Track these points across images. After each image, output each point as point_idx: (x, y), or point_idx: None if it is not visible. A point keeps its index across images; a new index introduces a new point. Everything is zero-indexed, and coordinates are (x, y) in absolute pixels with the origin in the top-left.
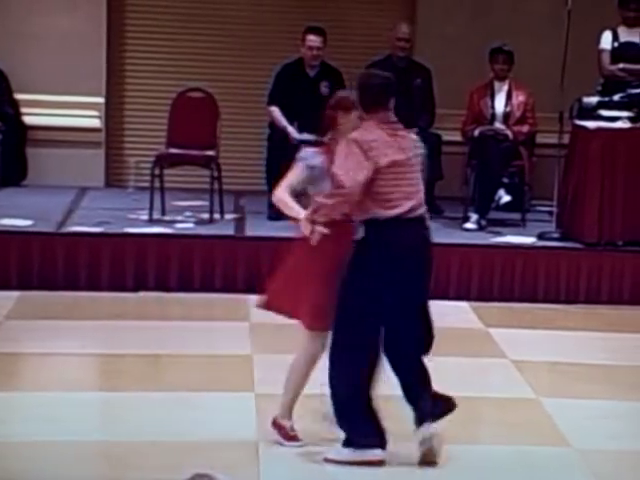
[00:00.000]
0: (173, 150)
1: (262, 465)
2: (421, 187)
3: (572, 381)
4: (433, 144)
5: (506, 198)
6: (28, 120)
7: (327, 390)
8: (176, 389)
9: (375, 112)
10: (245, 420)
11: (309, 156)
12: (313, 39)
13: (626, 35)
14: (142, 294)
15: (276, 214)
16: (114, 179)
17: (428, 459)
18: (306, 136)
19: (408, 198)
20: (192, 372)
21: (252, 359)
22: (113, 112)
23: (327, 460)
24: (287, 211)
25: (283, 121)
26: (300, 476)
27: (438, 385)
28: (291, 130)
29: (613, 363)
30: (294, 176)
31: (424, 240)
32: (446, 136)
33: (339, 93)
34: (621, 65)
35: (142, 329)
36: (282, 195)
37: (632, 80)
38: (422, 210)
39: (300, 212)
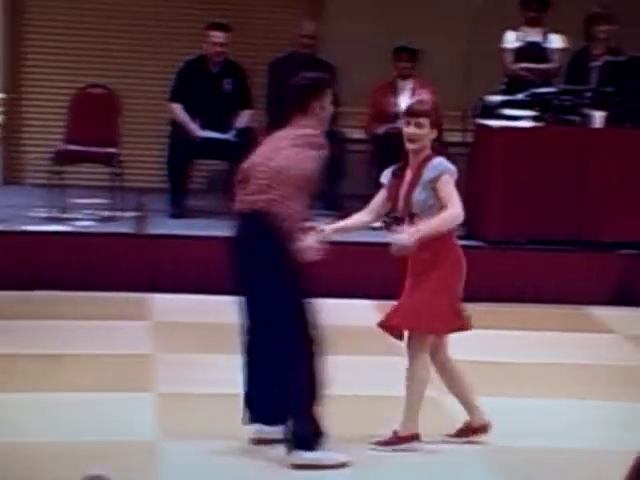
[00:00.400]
0: (72, 147)
1: (162, 466)
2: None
3: (475, 379)
4: (337, 142)
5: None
6: None
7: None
8: (75, 389)
9: None
10: (146, 420)
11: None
12: (216, 35)
13: (529, 35)
14: (41, 293)
15: (180, 213)
16: (12, 176)
17: None
18: (209, 133)
19: None
20: (92, 372)
21: (153, 358)
22: (11, 108)
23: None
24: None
25: (185, 118)
26: (201, 476)
27: (340, 384)
28: (193, 127)
29: (516, 360)
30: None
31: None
32: (350, 134)
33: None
34: (524, 64)
35: (40, 329)
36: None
37: (535, 79)
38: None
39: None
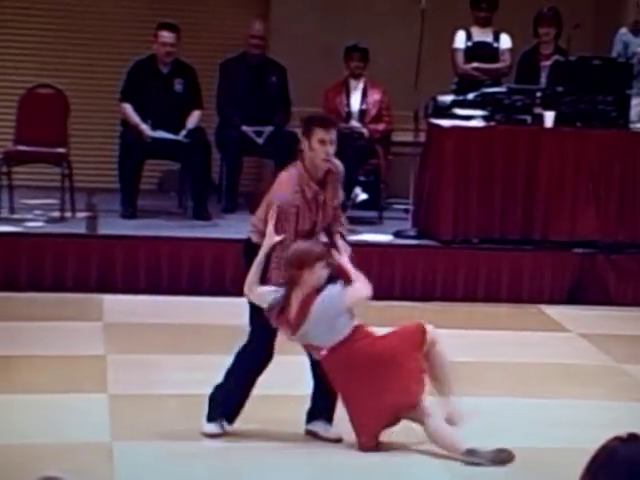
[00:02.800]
0: (21, 147)
1: (116, 467)
2: None
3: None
4: (289, 142)
5: (362, 196)
6: None
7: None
8: (26, 391)
9: None
10: (98, 421)
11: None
12: (166, 35)
13: (479, 35)
14: None
15: (131, 213)
16: None
17: None
18: (159, 134)
19: None
20: (43, 373)
21: (105, 359)
22: None
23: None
24: None
25: (136, 118)
26: (154, 477)
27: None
28: (144, 127)
29: (467, 360)
30: None
31: None
32: None
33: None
34: (474, 64)
35: None
36: None
37: (485, 79)
38: None
39: None
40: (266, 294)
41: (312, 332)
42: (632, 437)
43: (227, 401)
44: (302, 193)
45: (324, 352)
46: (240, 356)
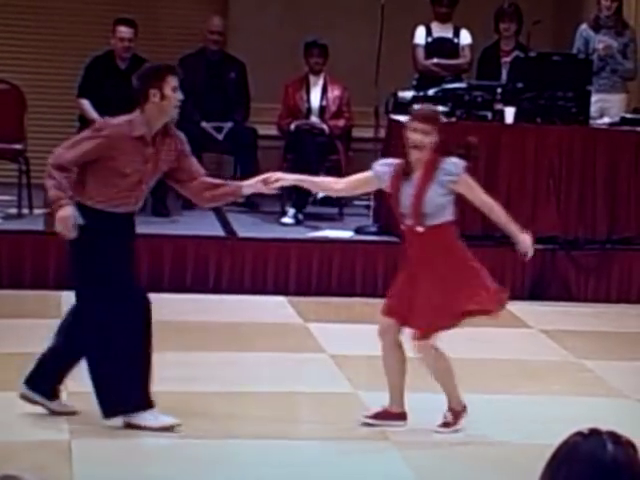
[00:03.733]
0: None
1: (75, 464)
2: None
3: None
4: (249, 138)
5: (323, 192)
6: None
7: None
8: None
9: None
10: (56, 419)
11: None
12: (123, 30)
13: (439, 30)
14: None
15: None
16: None
17: None
18: None
19: None
20: (1, 371)
21: None
22: None
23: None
24: None
25: (93, 114)
26: (115, 473)
27: (257, 381)
28: None
29: None
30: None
31: None
32: (262, 130)
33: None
34: (435, 60)
35: None
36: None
37: (446, 75)
38: None
39: None
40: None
41: None
42: (593, 432)
43: None
44: (130, 130)
45: None
46: None
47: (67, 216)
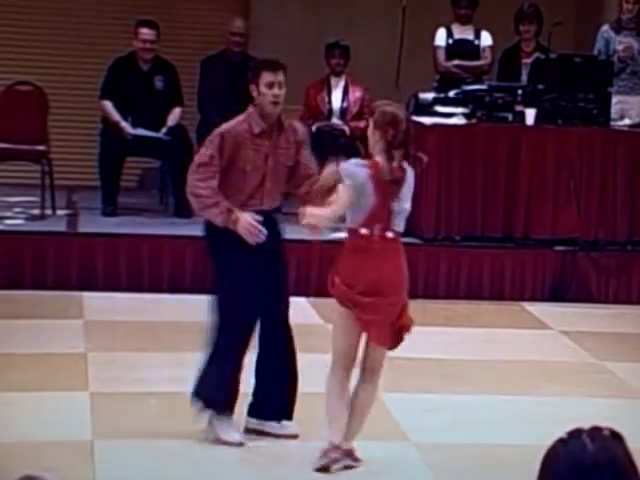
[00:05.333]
0: (1, 145)
1: (97, 465)
2: None
3: (409, 375)
4: None
5: None
6: None
7: None
8: (6, 389)
9: None
10: (79, 419)
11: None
12: (146, 32)
13: (460, 32)
14: None
15: (112, 211)
16: None
17: None
18: (140, 131)
19: None
20: (24, 372)
21: (86, 357)
22: None
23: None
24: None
25: (116, 115)
26: (136, 474)
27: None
28: (125, 125)
29: (449, 357)
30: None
31: None
32: None
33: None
34: (455, 62)
35: None
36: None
37: (466, 77)
38: None
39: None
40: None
41: None
42: (573, 435)
43: None
44: (249, 127)
45: None
46: None
47: (247, 222)
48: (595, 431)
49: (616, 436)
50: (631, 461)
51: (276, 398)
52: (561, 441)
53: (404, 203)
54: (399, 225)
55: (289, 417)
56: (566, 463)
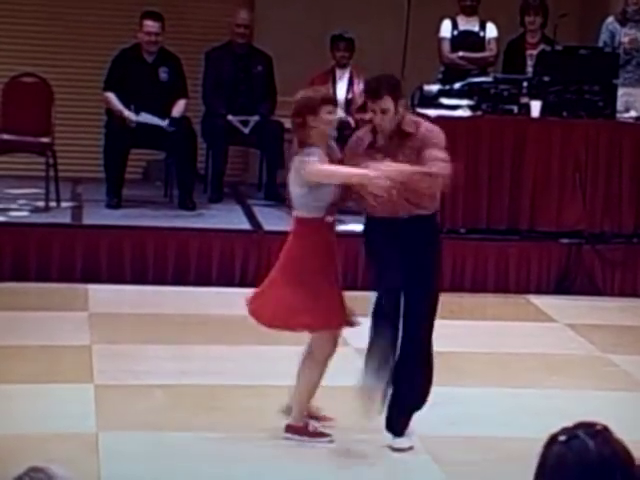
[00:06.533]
0: (5, 137)
1: (102, 456)
2: None
3: None
4: (275, 131)
5: None
6: None
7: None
8: (11, 381)
9: None
10: (84, 411)
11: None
12: (150, 24)
13: (465, 24)
14: None
15: (116, 203)
16: None
17: None
18: (144, 117)
19: None
20: (28, 363)
21: (91, 349)
22: None
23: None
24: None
25: (119, 105)
26: (141, 468)
27: (283, 375)
28: (128, 113)
29: (454, 350)
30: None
31: None
32: (288, 124)
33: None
34: (461, 53)
35: None
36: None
37: (472, 68)
38: None
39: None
40: None
41: None
42: (570, 436)
43: None
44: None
45: None
46: None
47: (373, 174)
48: (589, 427)
49: (607, 428)
50: (625, 448)
51: None
52: (561, 442)
53: None
54: None
55: None
56: (575, 464)
